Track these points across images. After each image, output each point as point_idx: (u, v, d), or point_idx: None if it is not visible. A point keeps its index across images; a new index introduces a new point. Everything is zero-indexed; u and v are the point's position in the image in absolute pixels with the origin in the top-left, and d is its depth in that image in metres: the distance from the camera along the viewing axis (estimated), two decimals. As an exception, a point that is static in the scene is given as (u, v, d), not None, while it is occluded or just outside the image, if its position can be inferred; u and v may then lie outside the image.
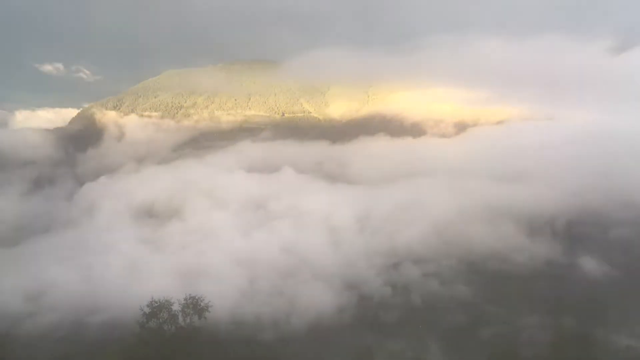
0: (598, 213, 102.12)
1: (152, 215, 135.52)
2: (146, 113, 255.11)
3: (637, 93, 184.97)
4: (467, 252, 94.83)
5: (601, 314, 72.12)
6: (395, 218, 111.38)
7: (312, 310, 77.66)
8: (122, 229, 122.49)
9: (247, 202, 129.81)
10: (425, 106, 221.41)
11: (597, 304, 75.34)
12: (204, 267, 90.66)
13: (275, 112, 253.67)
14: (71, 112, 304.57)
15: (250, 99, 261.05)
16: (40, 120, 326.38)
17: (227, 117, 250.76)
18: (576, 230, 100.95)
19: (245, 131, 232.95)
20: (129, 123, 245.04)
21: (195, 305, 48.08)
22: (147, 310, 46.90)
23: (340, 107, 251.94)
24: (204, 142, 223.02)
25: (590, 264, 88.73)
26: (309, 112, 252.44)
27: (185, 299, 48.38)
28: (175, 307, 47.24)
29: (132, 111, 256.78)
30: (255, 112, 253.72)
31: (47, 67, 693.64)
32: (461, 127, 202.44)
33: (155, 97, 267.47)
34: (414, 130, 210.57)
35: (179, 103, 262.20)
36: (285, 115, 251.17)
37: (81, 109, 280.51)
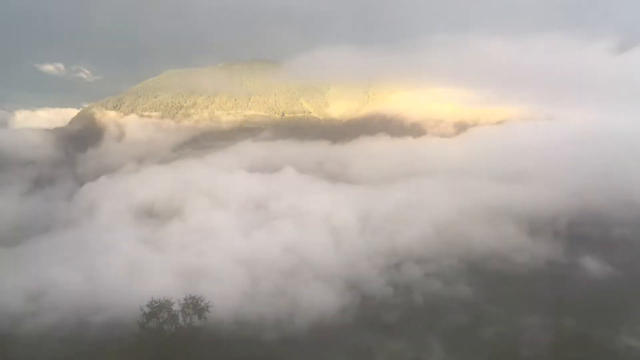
0: (599, 213, 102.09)
1: (152, 215, 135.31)
2: (146, 113, 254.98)
3: (638, 93, 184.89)
4: (468, 252, 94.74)
5: (602, 314, 72.03)
6: (396, 218, 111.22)
7: (314, 310, 77.47)
8: (123, 228, 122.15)
9: (248, 202, 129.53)
10: (426, 106, 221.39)
11: (598, 304, 75.34)
12: (205, 267, 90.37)
13: (275, 112, 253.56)
14: (71, 112, 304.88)
15: (250, 99, 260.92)
16: (40, 120, 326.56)
17: (227, 117, 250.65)
18: (577, 230, 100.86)
19: (245, 131, 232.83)
20: (129, 123, 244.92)
21: (195, 305, 48.14)
22: (147, 310, 46.94)
23: (340, 107, 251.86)
24: (204, 142, 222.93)
25: (591, 264, 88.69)
26: (309, 112, 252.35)
27: (185, 299, 48.41)
28: (175, 307, 47.27)
29: (132, 111, 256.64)
30: (255, 112, 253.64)
31: (47, 67, 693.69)
32: (462, 127, 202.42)
33: (155, 97, 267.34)
34: (415, 130, 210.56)
35: (179, 103, 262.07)
36: (285, 115, 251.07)
37: (81, 109, 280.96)
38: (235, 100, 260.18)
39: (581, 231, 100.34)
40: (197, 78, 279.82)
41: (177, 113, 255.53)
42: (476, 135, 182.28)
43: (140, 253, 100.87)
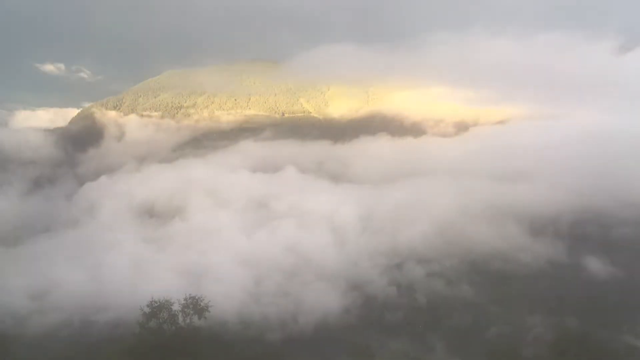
0: (601, 213, 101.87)
1: (153, 214, 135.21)
2: (146, 113, 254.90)
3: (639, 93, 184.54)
4: (470, 252, 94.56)
5: (604, 314, 71.84)
6: (397, 217, 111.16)
7: (318, 310, 77.47)
8: (124, 228, 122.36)
9: (250, 202, 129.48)
10: (427, 106, 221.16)
11: (600, 304, 75.16)
12: (207, 267, 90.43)
13: (275, 112, 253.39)
14: (71, 112, 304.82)
15: (250, 99, 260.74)
16: (41, 120, 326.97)
17: (227, 116, 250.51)
18: (579, 230, 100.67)
19: (245, 131, 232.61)
20: (129, 123, 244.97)
21: (195, 305, 47.88)
22: (147, 310, 46.72)
23: (340, 106, 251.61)
24: (204, 141, 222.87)
25: (593, 264, 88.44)
26: (309, 112, 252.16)
27: (185, 299, 48.18)
28: (176, 307, 47.03)
29: (133, 111, 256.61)
30: (255, 111, 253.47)
31: (48, 67, 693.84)
32: (463, 127, 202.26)
33: (155, 97, 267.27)
34: (415, 129, 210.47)
35: (179, 103, 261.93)
36: (285, 115, 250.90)
37: (81, 108, 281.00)
38: (235, 100, 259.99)
39: (583, 231, 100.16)
40: (197, 78, 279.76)
41: (177, 113, 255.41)
42: (478, 135, 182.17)
43: (143, 252, 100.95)
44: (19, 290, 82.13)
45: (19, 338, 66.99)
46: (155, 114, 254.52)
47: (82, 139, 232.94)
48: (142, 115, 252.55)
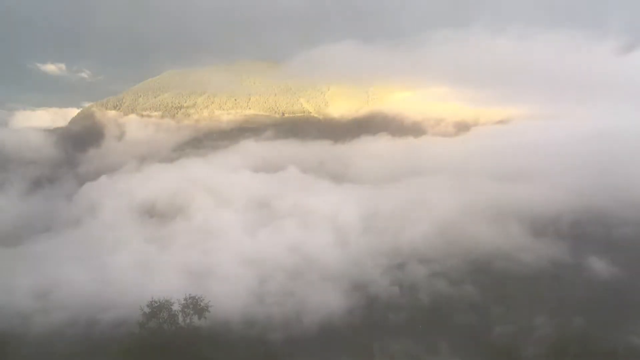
0: (603, 212, 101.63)
1: (154, 214, 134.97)
2: (146, 113, 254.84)
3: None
4: (472, 252, 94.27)
5: (608, 314, 71.41)
6: (399, 217, 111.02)
7: (321, 310, 77.24)
8: (126, 227, 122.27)
9: (252, 201, 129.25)
10: (428, 106, 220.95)
11: (603, 304, 74.72)
12: (211, 267, 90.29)
13: (275, 112, 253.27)
14: (71, 112, 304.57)
15: (250, 99, 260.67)
16: (41, 120, 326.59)
17: (228, 116, 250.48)
18: (581, 230, 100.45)
19: (246, 131, 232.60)
20: (129, 123, 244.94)
21: (195, 305, 47.77)
22: (147, 310, 46.65)
23: (340, 106, 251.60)
24: (205, 141, 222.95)
25: (596, 264, 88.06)
26: (309, 112, 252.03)
27: (185, 299, 48.09)
28: (176, 307, 46.93)
29: (133, 111, 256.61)
30: (255, 111, 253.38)
31: (48, 67, 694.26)
32: (464, 127, 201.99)
33: (155, 97, 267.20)
34: (416, 129, 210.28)
35: (179, 103, 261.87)
36: (285, 115, 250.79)
37: (81, 108, 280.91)
38: (235, 100, 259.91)
39: (585, 231, 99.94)
40: (197, 78, 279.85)
41: (177, 113, 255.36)
42: (480, 135, 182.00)
43: (145, 252, 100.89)
44: (22, 289, 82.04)
45: (23, 337, 67.26)
46: (156, 113, 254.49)
47: (82, 138, 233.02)
48: (142, 115, 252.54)
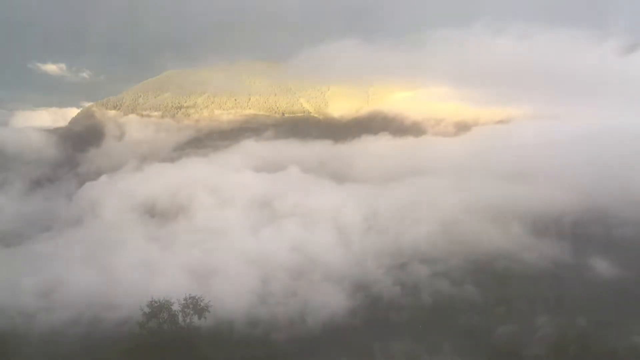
0: (605, 212, 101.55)
1: (155, 213, 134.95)
2: (146, 113, 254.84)
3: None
4: (474, 252, 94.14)
5: (610, 314, 71.21)
6: (401, 217, 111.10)
7: (324, 310, 77.26)
8: (127, 226, 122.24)
9: (254, 201, 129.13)
10: (428, 105, 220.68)
11: (606, 304, 74.57)
12: (214, 266, 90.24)
13: (275, 112, 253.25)
14: (72, 112, 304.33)
15: (250, 99, 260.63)
16: (41, 120, 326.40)
17: (228, 116, 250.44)
18: (583, 230, 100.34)
19: (247, 130, 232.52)
20: (129, 123, 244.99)
21: (195, 305, 47.75)
22: (147, 310, 46.63)
23: (340, 106, 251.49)
24: (205, 141, 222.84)
25: (598, 264, 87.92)
26: (309, 112, 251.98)
27: (185, 299, 48.08)
28: (176, 307, 46.89)
29: (133, 111, 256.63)
30: (255, 111, 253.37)
31: (48, 67, 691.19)
32: (467, 126, 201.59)
33: (155, 97, 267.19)
34: (417, 129, 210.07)
35: (179, 103, 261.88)
36: (285, 115, 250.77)
37: (82, 108, 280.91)
38: (236, 100, 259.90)
39: (587, 230, 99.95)
40: (197, 78, 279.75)
41: (177, 113, 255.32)
42: (482, 134, 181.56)
43: (147, 251, 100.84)
44: (25, 288, 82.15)
45: (26, 336, 67.42)
46: (156, 113, 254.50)
47: (82, 138, 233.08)
48: (142, 115, 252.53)
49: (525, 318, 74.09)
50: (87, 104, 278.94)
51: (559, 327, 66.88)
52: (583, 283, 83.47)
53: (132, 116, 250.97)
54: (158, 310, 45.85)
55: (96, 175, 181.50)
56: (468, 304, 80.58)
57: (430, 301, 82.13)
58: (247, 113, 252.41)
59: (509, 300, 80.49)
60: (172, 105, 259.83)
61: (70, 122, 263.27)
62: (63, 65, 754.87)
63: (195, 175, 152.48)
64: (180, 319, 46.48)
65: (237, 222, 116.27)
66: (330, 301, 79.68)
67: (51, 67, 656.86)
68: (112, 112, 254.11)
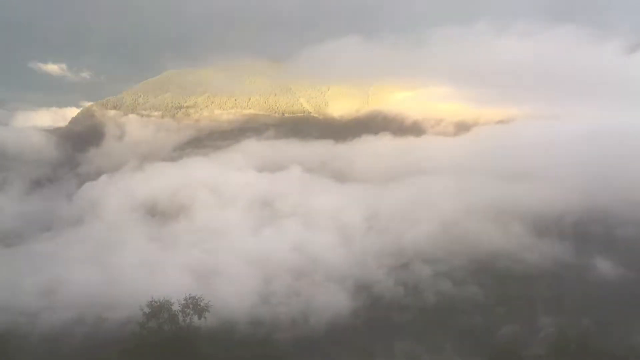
0: (606, 212, 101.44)
1: (156, 213, 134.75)
2: (146, 112, 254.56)
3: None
4: (475, 252, 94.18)
5: (612, 314, 71.15)
6: (402, 216, 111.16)
7: (327, 310, 77.24)
8: (128, 226, 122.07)
9: (255, 201, 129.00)
10: (429, 105, 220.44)
11: (607, 304, 74.50)
12: (216, 266, 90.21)
13: (275, 111, 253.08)
14: (72, 112, 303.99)
15: (250, 99, 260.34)
16: (42, 120, 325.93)
17: (228, 116, 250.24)
18: (584, 230, 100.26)
19: (247, 130, 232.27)
20: (129, 122, 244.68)
21: (195, 305, 47.44)
22: (146, 310, 46.31)
23: (340, 106, 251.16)
24: (205, 141, 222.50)
25: (599, 264, 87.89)
26: (309, 112, 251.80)
27: (185, 299, 47.80)
28: (176, 307, 46.59)
29: (133, 111, 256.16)
30: (255, 111, 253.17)
31: (48, 67, 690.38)
32: (467, 126, 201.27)
33: (155, 97, 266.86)
34: (417, 129, 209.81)
35: (179, 103, 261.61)
36: (285, 115, 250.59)
37: (82, 108, 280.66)
38: (236, 100, 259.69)
39: (587, 230, 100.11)
40: (197, 78, 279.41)
41: (177, 113, 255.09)
42: (483, 134, 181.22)
43: (148, 251, 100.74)
44: (25, 288, 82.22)
45: (27, 336, 67.62)
46: (156, 113, 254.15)
47: (83, 138, 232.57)
48: (142, 115, 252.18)
49: (527, 318, 74.10)
50: (88, 104, 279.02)
51: (561, 327, 66.77)
52: (584, 283, 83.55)
53: (132, 116, 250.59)
54: (158, 310, 45.63)
55: (96, 175, 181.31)
56: (469, 304, 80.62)
57: (431, 301, 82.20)
58: (247, 113, 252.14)
59: (510, 300, 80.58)
60: (172, 105, 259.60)
61: (71, 122, 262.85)
62: (63, 65, 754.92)
63: (196, 175, 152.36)
64: (180, 319, 46.27)
65: (238, 222, 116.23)
66: (332, 301, 79.67)
67: (52, 67, 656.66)
68: (112, 112, 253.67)
